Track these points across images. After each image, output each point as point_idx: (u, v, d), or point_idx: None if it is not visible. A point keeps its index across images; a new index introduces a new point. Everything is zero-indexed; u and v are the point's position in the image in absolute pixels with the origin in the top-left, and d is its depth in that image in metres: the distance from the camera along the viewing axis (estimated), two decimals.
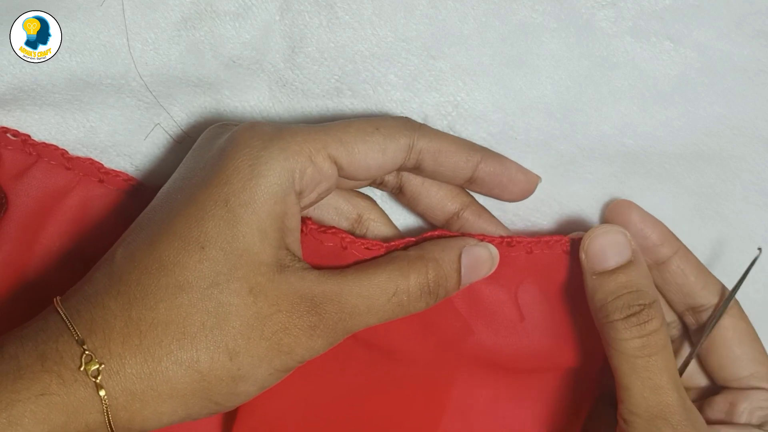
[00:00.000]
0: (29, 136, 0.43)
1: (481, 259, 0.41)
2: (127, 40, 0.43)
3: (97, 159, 0.43)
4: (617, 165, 0.45)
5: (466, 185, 0.42)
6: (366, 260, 0.40)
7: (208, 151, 0.38)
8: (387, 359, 0.42)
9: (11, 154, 0.42)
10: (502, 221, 0.45)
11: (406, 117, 0.42)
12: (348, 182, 0.41)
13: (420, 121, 0.44)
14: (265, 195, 0.36)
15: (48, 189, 0.42)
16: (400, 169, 0.41)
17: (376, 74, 0.44)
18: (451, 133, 0.44)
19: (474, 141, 0.44)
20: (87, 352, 0.34)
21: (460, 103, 0.44)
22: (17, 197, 0.42)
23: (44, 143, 0.43)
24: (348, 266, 0.39)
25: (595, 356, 0.43)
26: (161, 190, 0.39)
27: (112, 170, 0.43)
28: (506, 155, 0.44)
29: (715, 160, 0.45)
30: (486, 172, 0.42)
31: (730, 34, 0.44)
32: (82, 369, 0.34)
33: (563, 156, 0.45)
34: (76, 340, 0.34)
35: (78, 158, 0.43)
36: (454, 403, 0.43)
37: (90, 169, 0.43)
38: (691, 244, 0.45)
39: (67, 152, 0.43)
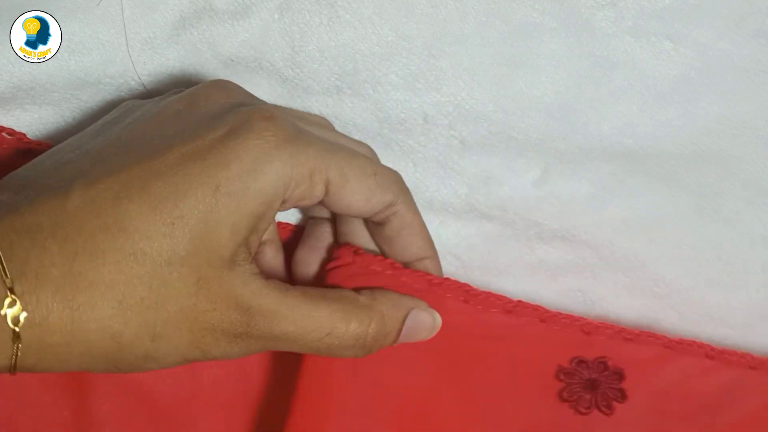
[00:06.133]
0: (25, 135, 0.43)
1: (422, 325, 0.40)
2: (126, 39, 0.43)
3: None
4: (617, 164, 0.45)
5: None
6: (315, 288, 0.38)
7: (203, 107, 0.37)
8: (459, 365, 0.42)
9: (7, 153, 0.42)
10: (503, 220, 0.45)
11: (399, 174, 0.41)
12: (319, 210, 0.42)
13: (421, 120, 0.44)
14: (256, 194, 0.35)
15: None
16: (366, 218, 0.41)
17: (377, 73, 0.44)
18: (452, 132, 0.44)
19: (474, 140, 0.44)
20: (12, 297, 0.32)
21: (460, 103, 0.44)
22: None
23: (40, 141, 0.43)
24: (295, 287, 0.37)
25: None
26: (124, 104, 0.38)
27: None
28: (506, 154, 0.44)
29: (715, 160, 0.45)
30: (423, 265, 0.42)
31: (730, 34, 0.44)
32: (2, 312, 0.32)
33: (563, 155, 0.45)
34: (4, 281, 0.32)
35: None
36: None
37: None
38: (690, 244, 0.45)
39: None
